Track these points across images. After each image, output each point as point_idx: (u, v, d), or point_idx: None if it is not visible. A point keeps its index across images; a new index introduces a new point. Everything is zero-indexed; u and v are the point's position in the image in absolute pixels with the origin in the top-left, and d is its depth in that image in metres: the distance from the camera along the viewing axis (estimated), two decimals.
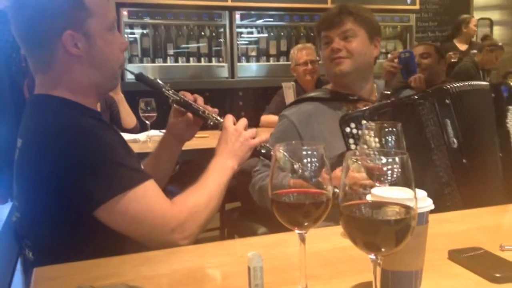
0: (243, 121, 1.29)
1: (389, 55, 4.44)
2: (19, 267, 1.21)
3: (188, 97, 1.34)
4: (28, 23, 1.13)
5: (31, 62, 1.18)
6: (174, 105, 1.34)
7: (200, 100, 1.35)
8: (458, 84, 1.51)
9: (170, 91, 1.32)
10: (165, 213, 1.08)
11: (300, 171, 0.76)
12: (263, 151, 1.29)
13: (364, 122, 1.42)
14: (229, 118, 1.29)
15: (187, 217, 1.10)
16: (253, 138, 1.27)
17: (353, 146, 1.41)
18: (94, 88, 1.19)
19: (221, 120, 1.29)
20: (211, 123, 1.31)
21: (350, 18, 1.63)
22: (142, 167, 1.24)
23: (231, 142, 1.24)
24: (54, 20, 1.11)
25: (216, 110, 1.35)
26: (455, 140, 1.46)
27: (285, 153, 0.79)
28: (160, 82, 1.33)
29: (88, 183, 1.04)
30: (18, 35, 1.15)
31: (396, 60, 2.69)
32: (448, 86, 1.50)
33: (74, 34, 1.11)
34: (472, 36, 5.09)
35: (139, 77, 1.32)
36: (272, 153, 1.26)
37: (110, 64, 1.19)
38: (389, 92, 1.69)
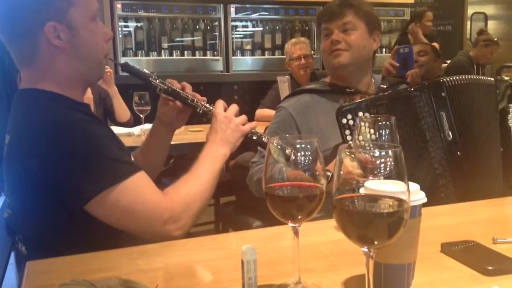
0: (234, 108, 1.27)
1: (388, 52, 4.42)
2: (12, 261, 1.21)
3: (176, 85, 1.31)
4: (9, 16, 1.11)
5: (15, 56, 1.15)
6: (162, 94, 1.32)
7: (188, 88, 1.32)
8: (454, 78, 1.52)
9: (157, 80, 1.29)
10: (157, 205, 1.07)
11: (293, 156, 0.76)
12: (254, 137, 1.27)
13: (360, 113, 1.43)
14: (220, 105, 1.27)
15: (180, 207, 1.09)
16: (244, 124, 1.26)
17: (349, 138, 1.42)
18: (79, 79, 1.17)
19: (211, 107, 1.27)
20: (200, 111, 1.29)
21: (351, 10, 1.64)
22: (133, 159, 1.23)
23: (222, 129, 1.23)
24: (36, 12, 1.09)
25: (204, 98, 1.32)
26: (450, 133, 1.47)
27: (278, 143, 0.78)
28: (147, 71, 1.31)
29: (77, 177, 1.03)
30: (1, 30, 1.12)
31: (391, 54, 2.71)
32: (445, 80, 1.51)
33: (57, 25, 1.09)
34: (427, 31, 4.95)
35: (125, 67, 1.30)
36: (264, 139, 1.27)
37: (95, 55, 1.17)
38: (385, 86, 1.70)
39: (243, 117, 1.27)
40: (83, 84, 1.21)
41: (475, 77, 1.57)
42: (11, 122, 1.14)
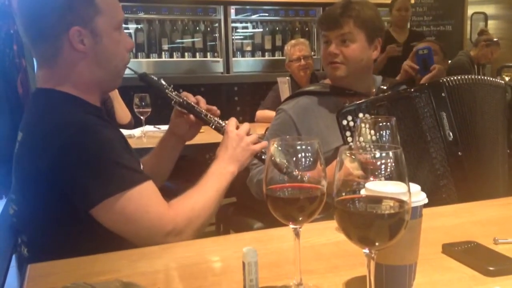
0: (246, 126, 1.29)
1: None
2: (14, 264, 1.21)
3: (191, 99, 1.33)
4: (36, 16, 1.12)
5: (36, 55, 1.17)
6: (177, 107, 1.33)
7: (202, 102, 1.34)
8: (455, 78, 1.51)
9: (173, 93, 1.31)
10: (161, 216, 1.07)
11: (290, 171, 0.77)
12: (263, 156, 1.28)
13: (361, 115, 1.42)
14: (232, 122, 1.29)
15: (183, 221, 1.09)
16: (255, 143, 1.27)
17: (349, 139, 1.42)
18: (97, 85, 1.18)
19: (223, 124, 1.29)
20: (213, 127, 1.31)
21: (349, 21, 1.60)
22: (142, 166, 1.23)
23: (232, 147, 1.24)
24: (63, 15, 1.10)
25: (218, 112, 1.34)
26: (450, 133, 1.47)
27: (279, 146, 0.78)
28: (164, 83, 1.33)
29: (86, 180, 1.04)
30: (24, 27, 1.15)
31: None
32: (444, 80, 1.50)
33: (81, 30, 1.11)
34: (406, 24, 4.26)
35: (143, 77, 1.32)
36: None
37: (115, 63, 1.18)
38: (385, 87, 1.70)
39: (255, 136, 1.28)
40: (100, 90, 1.22)
41: (478, 77, 1.55)
42: (25, 120, 1.15)
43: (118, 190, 1.04)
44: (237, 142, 1.24)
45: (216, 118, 1.31)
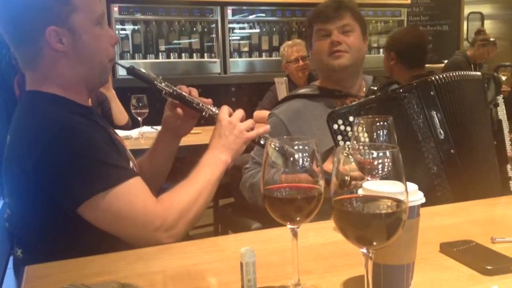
0: (239, 113, 1.25)
1: None
2: (11, 266, 1.20)
3: (183, 89, 1.30)
4: (13, 20, 1.11)
5: (19, 59, 1.16)
6: (168, 98, 1.31)
7: (194, 92, 1.31)
8: (442, 75, 1.50)
9: (163, 84, 1.29)
10: (148, 212, 1.06)
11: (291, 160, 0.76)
12: (262, 142, 1.24)
13: (351, 118, 1.42)
14: (225, 110, 1.25)
15: (172, 215, 1.07)
16: (251, 129, 1.23)
17: (341, 143, 1.41)
18: (83, 83, 1.17)
19: (217, 111, 1.26)
20: (206, 115, 1.27)
21: (348, 13, 1.66)
22: (131, 165, 1.22)
23: (225, 135, 1.20)
24: (37, 16, 1.09)
25: (210, 100, 1.31)
26: (441, 131, 1.46)
27: (276, 146, 0.78)
28: (153, 74, 1.30)
29: (70, 180, 1.03)
30: (5, 32, 1.13)
31: None
32: (432, 78, 1.49)
33: (58, 29, 1.10)
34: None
35: (130, 70, 1.30)
36: None
37: (99, 59, 1.17)
38: (376, 88, 1.70)
39: (249, 123, 1.24)
40: (87, 87, 1.20)
41: (464, 72, 1.53)
42: (13, 123, 1.14)
43: (103, 188, 1.03)
44: (229, 130, 1.20)
45: (209, 106, 1.27)
